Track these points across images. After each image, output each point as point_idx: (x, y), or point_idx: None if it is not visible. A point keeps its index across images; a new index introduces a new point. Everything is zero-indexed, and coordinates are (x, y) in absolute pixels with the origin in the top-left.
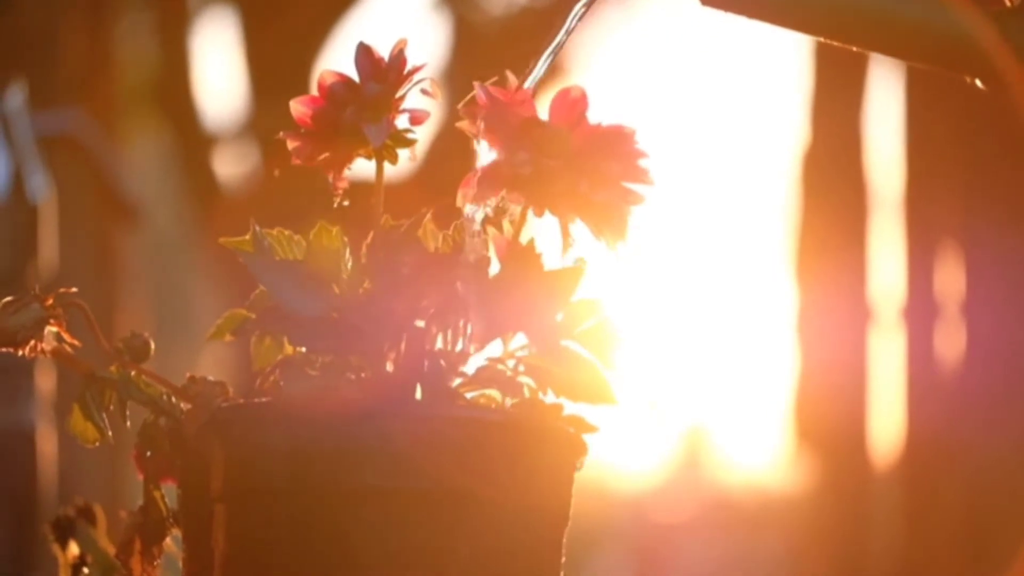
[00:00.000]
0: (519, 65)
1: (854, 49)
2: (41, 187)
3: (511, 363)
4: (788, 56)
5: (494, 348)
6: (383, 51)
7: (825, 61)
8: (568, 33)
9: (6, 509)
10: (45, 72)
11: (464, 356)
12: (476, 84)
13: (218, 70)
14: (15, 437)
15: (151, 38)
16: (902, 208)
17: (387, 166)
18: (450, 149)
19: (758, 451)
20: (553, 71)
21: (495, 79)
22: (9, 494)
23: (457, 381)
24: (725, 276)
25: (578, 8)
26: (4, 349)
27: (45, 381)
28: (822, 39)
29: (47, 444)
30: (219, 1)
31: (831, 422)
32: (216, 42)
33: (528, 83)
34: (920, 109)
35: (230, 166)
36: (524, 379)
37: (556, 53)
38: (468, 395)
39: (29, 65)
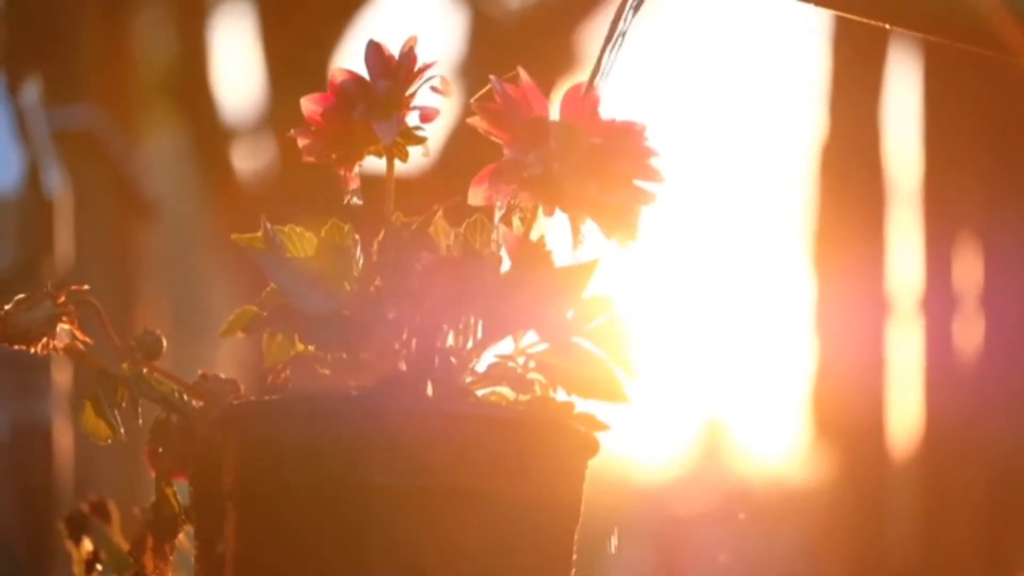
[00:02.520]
0: (535, 60)
1: (905, 31)
2: (57, 182)
3: (522, 360)
4: (805, 47)
5: (505, 345)
6: (394, 48)
7: (842, 52)
8: (622, 30)
9: (22, 504)
10: (61, 67)
11: (475, 353)
12: (492, 78)
13: (235, 65)
14: (31, 433)
15: (167, 33)
16: (920, 199)
17: (398, 163)
18: (463, 146)
19: (776, 443)
20: (563, 66)
21: (510, 76)
22: (25, 489)
23: (468, 379)
24: (743, 268)
25: (631, 3)
26: (17, 346)
27: (61, 377)
28: (855, 16)
29: (63, 440)
30: None
31: (849, 414)
32: (233, 37)
33: (596, 81)
34: (938, 99)
35: (246, 161)
36: (535, 376)
37: (616, 49)
38: (479, 392)
39: (45, 60)
